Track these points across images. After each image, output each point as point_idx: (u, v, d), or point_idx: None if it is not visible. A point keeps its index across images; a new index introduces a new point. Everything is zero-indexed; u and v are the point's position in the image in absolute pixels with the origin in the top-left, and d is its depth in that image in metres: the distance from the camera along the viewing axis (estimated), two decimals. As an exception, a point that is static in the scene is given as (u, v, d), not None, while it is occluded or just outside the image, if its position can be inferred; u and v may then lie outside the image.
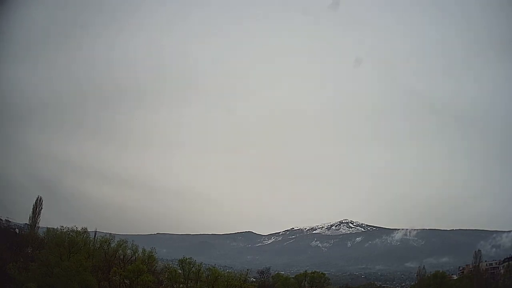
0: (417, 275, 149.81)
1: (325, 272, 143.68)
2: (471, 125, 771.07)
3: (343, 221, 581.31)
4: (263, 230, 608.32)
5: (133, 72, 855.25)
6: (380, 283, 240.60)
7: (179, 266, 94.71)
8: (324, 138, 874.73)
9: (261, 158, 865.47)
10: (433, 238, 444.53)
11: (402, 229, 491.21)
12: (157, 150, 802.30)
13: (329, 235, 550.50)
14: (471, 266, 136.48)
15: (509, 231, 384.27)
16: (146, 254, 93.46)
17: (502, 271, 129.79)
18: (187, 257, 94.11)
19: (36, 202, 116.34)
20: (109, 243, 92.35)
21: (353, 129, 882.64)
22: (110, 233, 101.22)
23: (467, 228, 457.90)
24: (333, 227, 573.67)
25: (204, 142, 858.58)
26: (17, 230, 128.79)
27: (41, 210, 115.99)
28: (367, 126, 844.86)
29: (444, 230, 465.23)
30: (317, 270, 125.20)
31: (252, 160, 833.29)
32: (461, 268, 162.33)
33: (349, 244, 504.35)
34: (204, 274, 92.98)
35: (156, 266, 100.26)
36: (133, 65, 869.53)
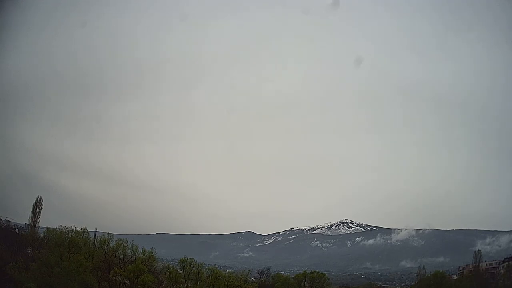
0: (417, 275, 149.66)
1: (325, 272, 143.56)
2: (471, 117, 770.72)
3: (343, 221, 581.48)
4: (263, 230, 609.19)
5: (111, 63, 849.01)
6: (380, 283, 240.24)
7: (180, 266, 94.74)
8: (324, 138, 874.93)
9: (260, 157, 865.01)
10: (433, 238, 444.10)
11: (402, 229, 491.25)
12: (156, 149, 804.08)
13: (329, 235, 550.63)
14: (471, 266, 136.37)
15: (509, 231, 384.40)
16: (146, 254, 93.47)
17: (502, 271, 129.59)
18: (188, 257, 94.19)
19: (36, 202, 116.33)
20: (109, 243, 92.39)
21: (353, 128, 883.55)
22: (109, 233, 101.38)
23: (467, 228, 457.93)
24: (333, 227, 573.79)
25: (204, 142, 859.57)
26: (17, 230, 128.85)
27: (41, 210, 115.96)
28: (368, 125, 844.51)
29: (444, 230, 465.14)
30: (317, 270, 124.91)
31: (252, 159, 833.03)
32: (461, 268, 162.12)
33: (349, 244, 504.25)
34: (204, 274, 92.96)
35: (156, 266, 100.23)
36: (112, 55, 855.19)
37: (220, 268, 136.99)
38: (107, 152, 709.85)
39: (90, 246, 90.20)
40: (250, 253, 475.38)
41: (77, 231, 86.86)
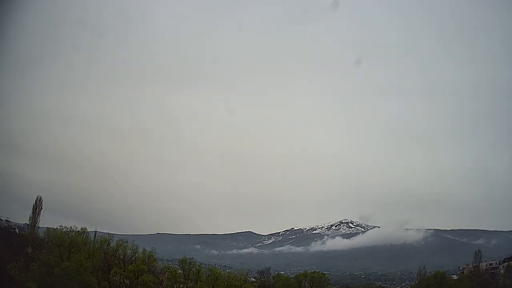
0: (417, 275, 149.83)
1: (325, 272, 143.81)
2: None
3: (343, 221, 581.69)
4: (263, 230, 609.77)
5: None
6: (380, 283, 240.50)
7: (179, 266, 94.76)
8: (324, 137, 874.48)
9: (260, 157, 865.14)
10: (433, 238, 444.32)
11: (402, 229, 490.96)
12: (157, 148, 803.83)
13: (329, 235, 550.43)
14: (471, 266, 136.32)
15: (509, 231, 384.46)
16: (146, 254, 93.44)
17: (502, 271, 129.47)
18: (188, 257, 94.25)
19: (36, 202, 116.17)
20: (109, 243, 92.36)
21: (353, 128, 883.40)
22: (110, 233, 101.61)
23: (467, 228, 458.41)
24: (333, 227, 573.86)
25: (203, 142, 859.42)
26: (17, 230, 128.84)
27: (41, 210, 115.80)
28: (368, 125, 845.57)
29: (444, 230, 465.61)
30: (317, 270, 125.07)
31: (251, 159, 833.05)
32: (461, 268, 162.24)
33: (349, 244, 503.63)
34: (204, 274, 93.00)
35: (156, 266, 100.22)
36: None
37: (220, 268, 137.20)
38: (107, 149, 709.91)
39: (90, 246, 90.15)
40: (250, 253, 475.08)
41: (77, 231, 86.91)
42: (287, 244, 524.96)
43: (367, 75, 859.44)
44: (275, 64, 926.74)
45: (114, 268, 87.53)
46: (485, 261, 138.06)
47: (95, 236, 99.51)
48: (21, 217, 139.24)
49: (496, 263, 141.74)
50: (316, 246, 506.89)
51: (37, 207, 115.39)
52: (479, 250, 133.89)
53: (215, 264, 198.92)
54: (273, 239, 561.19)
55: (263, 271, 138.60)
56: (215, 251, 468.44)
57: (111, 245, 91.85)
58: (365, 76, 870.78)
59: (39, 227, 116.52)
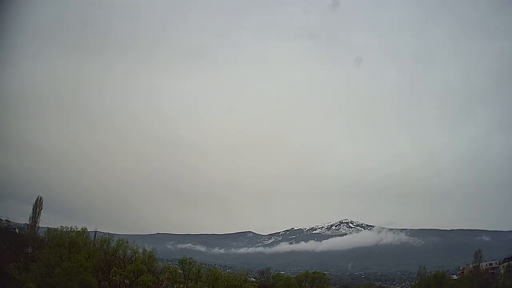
0: (417, 275, 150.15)
1: (325, 272, 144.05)
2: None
3: (343, 221, 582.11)
4: (263, 230, 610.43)
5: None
6: (380, 283, 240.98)
7: (179, 266, 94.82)
8: (324, 136, 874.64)
9: (260, 156, 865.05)
10: (433, 238, 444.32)
11: (402, 229, 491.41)
12: (157, 147, 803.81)
13: (329, 235, 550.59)
14: (471, 266, 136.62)
15: (509, 231, 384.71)
16: (146, 254, 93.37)
17: (502, 271, 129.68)
18: (188, 257, 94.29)
19: (36, 202, 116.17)
20: (109, 243, 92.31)
21: (354, 128, 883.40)
22: (110, 233, 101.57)
23: (467, 228, 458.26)
24: (333, 227, 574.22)
25: (203, 142, 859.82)
26: (17, 230, 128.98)
27: (41, 210, 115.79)
28: (369, 124, 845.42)
29: (444, 230, 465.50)
30: (317, 270, 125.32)
31: (251, 158, 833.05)
32: (461, 268, 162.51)
33: (348, 244, 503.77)
34: (204, 274, 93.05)
35: (156, 266, 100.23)
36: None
37: (220, 268, 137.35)
38: (107, 148, 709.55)
39: (90, 246, 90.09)
40: (250, 253, 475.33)
41: (77, 231, 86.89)
42: (287, 244, 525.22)
43: (364, 70, 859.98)
44: (275, 62, 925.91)
45: (114, 268, 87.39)
46: (485, 261, 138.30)
47: (95, 236, 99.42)
48: (21, 217, 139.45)
49: (496, 263, 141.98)
50: (316, 246, 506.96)
51: (37, 207, 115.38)
52: (479, 250, 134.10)
53: (215, 264, 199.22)
54: (273, 239, 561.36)
55: (263, 271, 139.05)
56: (215, 251, 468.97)
57: (111, 245, 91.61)
58: (363, 72, 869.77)
59: (39, 227, 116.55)
